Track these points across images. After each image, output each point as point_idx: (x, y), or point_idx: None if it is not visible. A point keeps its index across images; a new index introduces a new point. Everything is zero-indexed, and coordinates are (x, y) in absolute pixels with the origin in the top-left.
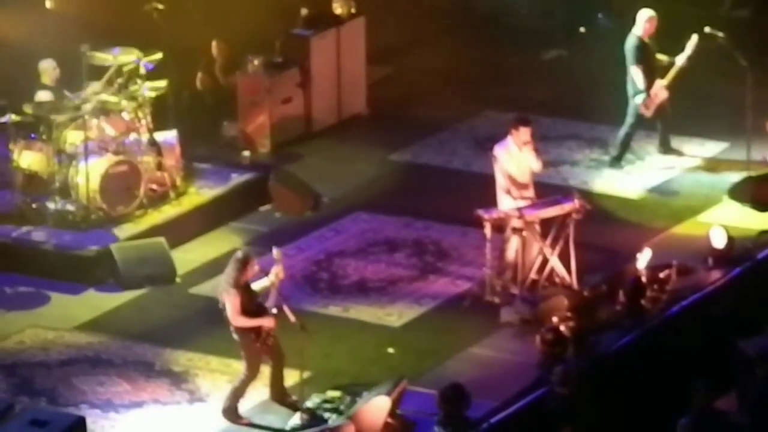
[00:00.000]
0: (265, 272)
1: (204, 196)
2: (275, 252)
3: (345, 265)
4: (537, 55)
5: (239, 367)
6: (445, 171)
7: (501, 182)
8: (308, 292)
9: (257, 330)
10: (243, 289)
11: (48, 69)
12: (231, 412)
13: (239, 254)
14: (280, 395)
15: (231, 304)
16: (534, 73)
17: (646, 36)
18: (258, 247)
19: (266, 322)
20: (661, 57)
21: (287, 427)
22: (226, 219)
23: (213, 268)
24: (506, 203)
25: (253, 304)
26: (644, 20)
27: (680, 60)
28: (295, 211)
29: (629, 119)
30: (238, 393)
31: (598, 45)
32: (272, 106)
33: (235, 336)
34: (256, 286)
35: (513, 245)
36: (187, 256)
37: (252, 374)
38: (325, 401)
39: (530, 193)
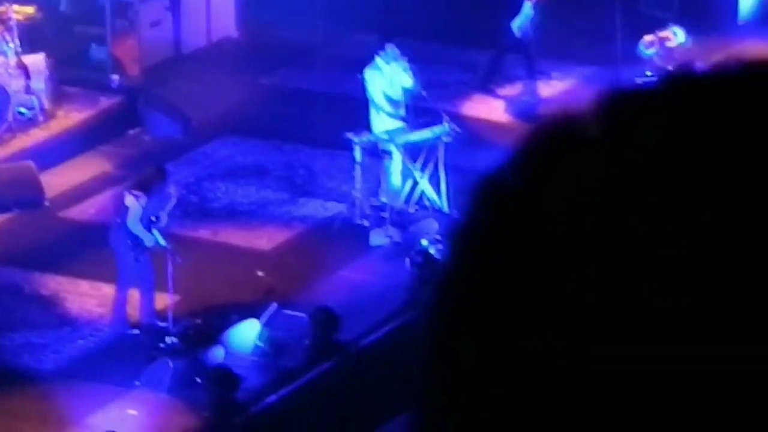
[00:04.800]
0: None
1: (73, 119)
2: (173, 188)
3: (215, 188)
4: None
5: (109, 290)
6: (315, 94)
7: (374, 103)
8: (177, 215)
9: (137, 242)
10: (147, 198)
11: None
12: (119, 321)
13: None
14: (148, 319)
15: (135, 206)
16: None
17: None
18: (127, 170)
19: (147, 240)
20: None
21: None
22: (95, 142)
23: (82, 192)
24: (379, 125)
25: (146, 217)
26: None
27: None
28: (165, 134)
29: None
30: (117, 302)
31: None
32: (141, 29)
33: (112, 243)
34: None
35: (394, 168)
36: (56, 180)
37: (125, 282)
38: (195, 325)
39: (403, 111)
